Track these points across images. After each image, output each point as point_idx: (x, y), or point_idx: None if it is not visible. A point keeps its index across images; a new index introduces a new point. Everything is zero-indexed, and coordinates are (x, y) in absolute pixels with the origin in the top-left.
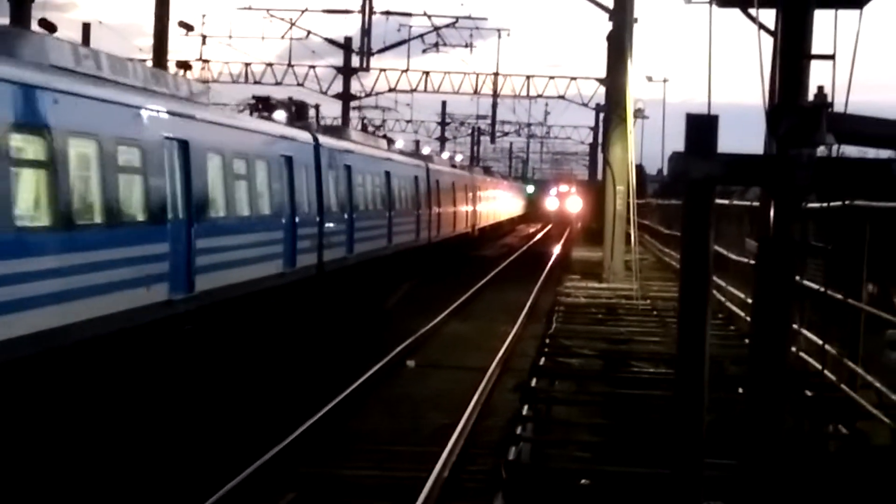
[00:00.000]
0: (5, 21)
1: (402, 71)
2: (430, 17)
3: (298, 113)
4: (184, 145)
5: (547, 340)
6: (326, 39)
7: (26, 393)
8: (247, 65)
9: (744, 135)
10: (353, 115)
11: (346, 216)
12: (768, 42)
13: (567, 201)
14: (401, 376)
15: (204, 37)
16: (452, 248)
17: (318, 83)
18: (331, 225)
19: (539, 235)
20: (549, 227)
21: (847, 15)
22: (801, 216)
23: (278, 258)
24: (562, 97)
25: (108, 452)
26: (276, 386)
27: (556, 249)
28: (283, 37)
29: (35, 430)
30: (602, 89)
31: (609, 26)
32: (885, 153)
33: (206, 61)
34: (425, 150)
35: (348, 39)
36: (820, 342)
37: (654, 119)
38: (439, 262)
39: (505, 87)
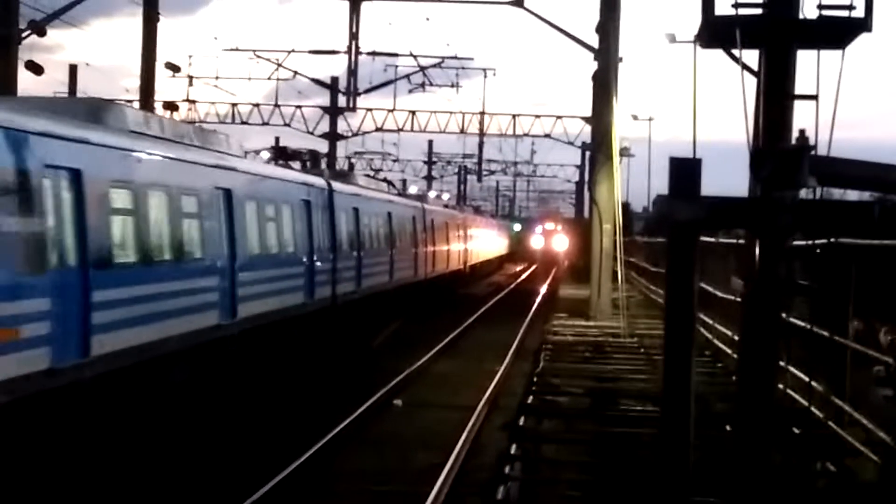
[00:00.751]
0: None
1: (389, 110)
2: (416, 57)
3: (313, 161)
4: (228, 193)
5: (535, 379)
6: (313, 80)
7: (134, 392)
8: (234, 105)
9: (729, 173)
10: (340, 152)
11: (354, 254)
12: (752, 82)
13: (553, 239)
14: (389, 414)
15: (191, 77)
16: (446, 283)
17: (305, 123)
18: (343, 262)
19: (526, 274)
20: (535, 266)
21: (829, 55)
22: (786, 256)
23: (300, 290)
24: (548, 136)
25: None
26: (279, 412)
27: (543, 288)
28: (269, 77)
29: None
30: (588, 128)
31: (594, 65)
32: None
33: (192, 102)
34: (412, 189)
35: (335, 80)
36: (807, 379)
37: (640, 157)
38: (435, 297)
39: (491, 125)
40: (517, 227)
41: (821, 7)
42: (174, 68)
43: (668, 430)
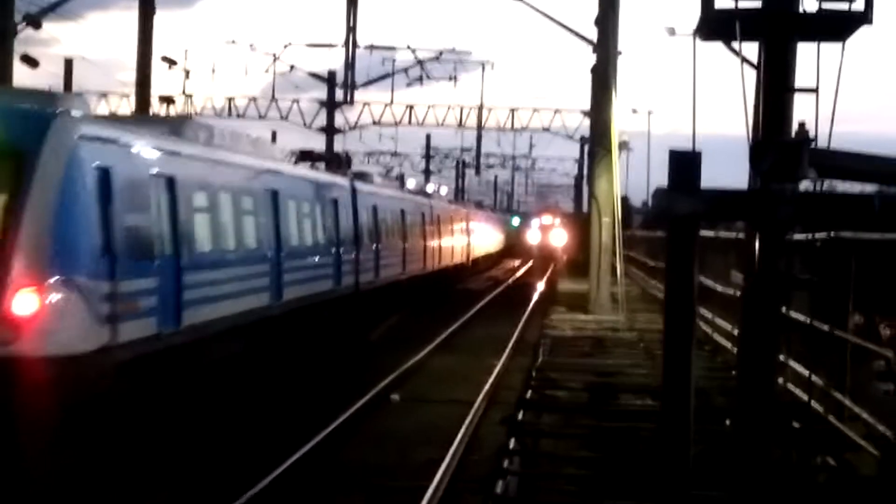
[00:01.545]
0: None
1: (387, 104)
2: (413, 50)
3: (337, 163)
4: (275, 193)
5: (533, 373)
6: (310, 73)
7: (204, 358)
8: (230, 99)
9: (729, 166)
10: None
11: (374, 247)
12: (752, 75)
13: (551, 234)
14: (386, 409)
15: (187, 71)
16: (452, 275)
17: (302, 117)
18: (364, 254)
19: (525, 268)
20: (531, 263)
21: (830, 48)
22: (785, 249)
23: (330, 278)
24: (546, 129)
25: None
26: (293, 395)
27: (541, 283)
28: (266, 71)
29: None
30: (587, 121)
31: (593, 59)
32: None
33: (189, 95)
34: (410, 184)
35: (332, 73)
36: (807, 373)
37: (640, 150)
38: (442, 287)
39: (489, 119)
40: (516, 221)
41: (820, 0)
42: (171, 62)
43: (668, 425)
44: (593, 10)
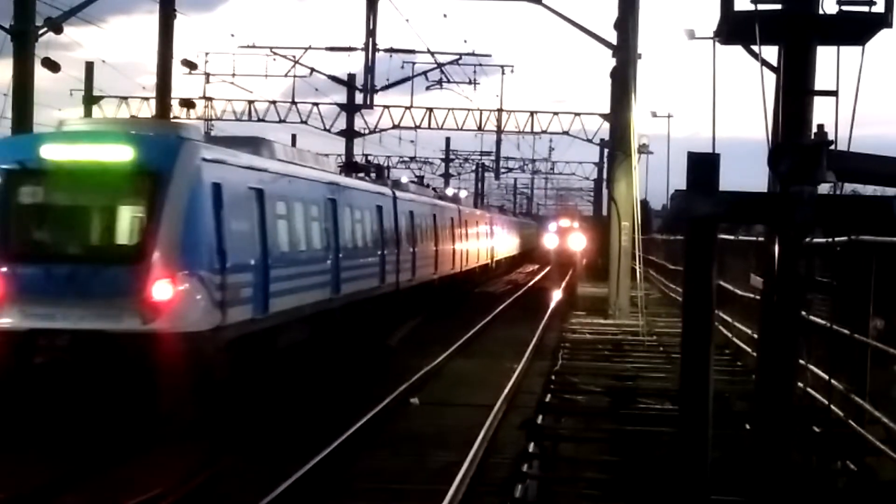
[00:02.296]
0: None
1: (406, 108)
2: (433, 54)
3: (377, 173)
4: (333, 202)
5: (553, 377)
6: (330, 77)
7: (281, 341)
8: (250, 102)
9: (749, 169)
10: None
11: (411, 249)
12: (772, 78)
13: (569, 238)
14: (406, 413)
15: (207, 75)
16: (477, 275)
17: (322, 121)
18: (403, 255)
19: (544, 272)
20: (548, 268)
21: (849, 50)
22: (805, 252)
23: (376, 277)
24: (566, 133)
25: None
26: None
27: (562, 285)
28: (286, 75)
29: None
30: (606, 125)
31: (613, 62)
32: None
33: (209, 99)
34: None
35: (352, 77)
36: (827, 377)
37: (659, 154)
38: (469, 286)
39: (509, 123)
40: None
41: (840, 2)
42: (191, 65)
43: (686, 429)
44: (613, 13)
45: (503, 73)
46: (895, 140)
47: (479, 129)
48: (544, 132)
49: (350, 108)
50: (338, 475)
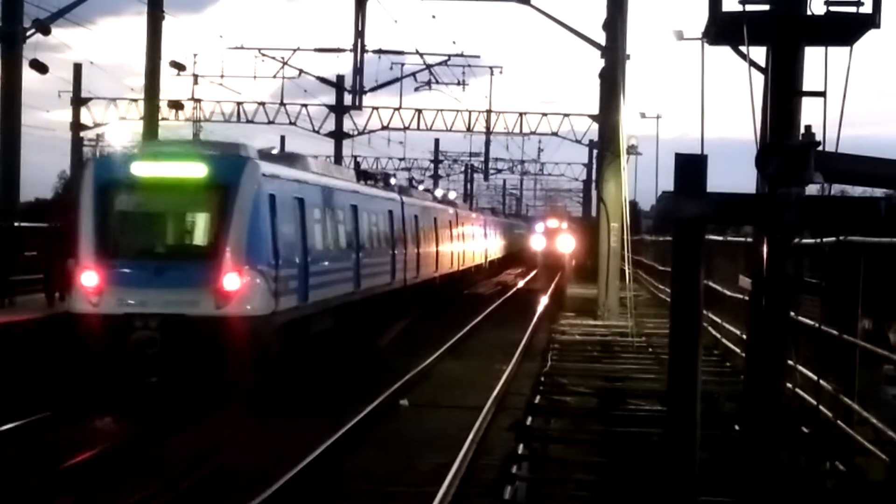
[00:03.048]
0: None
1: (395, 109)
2: (422, 55)
3: (385, 180)
4: (355, 208)
5: (542, 378)
6: (318, 78)
7: (312, 328)
8: (239, 104)
9: (737, 170)
10: (345, 152)
11: (416, 250)
12: (760, 79)
13: (557, 239)
14: (396, 414)
15: (196, 76)
16: (472, 274)
17: (311, 122)
18: (409, 255)
19: (533, 273)
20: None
21: (837, 51)
22: (793, 253)
23: (388, 274)
24: (555, 134)
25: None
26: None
27: (550, 287)
28: (275, 76)
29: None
30: (595, 126)
31: (602, 63)
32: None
33: (197, 100)
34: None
35: (340, 78)
36: (815, 378)
37: (648, 155)
38: (464, 285)
39: (498, 124)
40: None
41: (828, 3)
42: (179, 67)
43: (675, 430)
44: (601, 14)
45: (492, 74)
46: (883, 141)
47: (468, 130)
48: (533, 133)
49: (339, 110)
50: (325, 477)
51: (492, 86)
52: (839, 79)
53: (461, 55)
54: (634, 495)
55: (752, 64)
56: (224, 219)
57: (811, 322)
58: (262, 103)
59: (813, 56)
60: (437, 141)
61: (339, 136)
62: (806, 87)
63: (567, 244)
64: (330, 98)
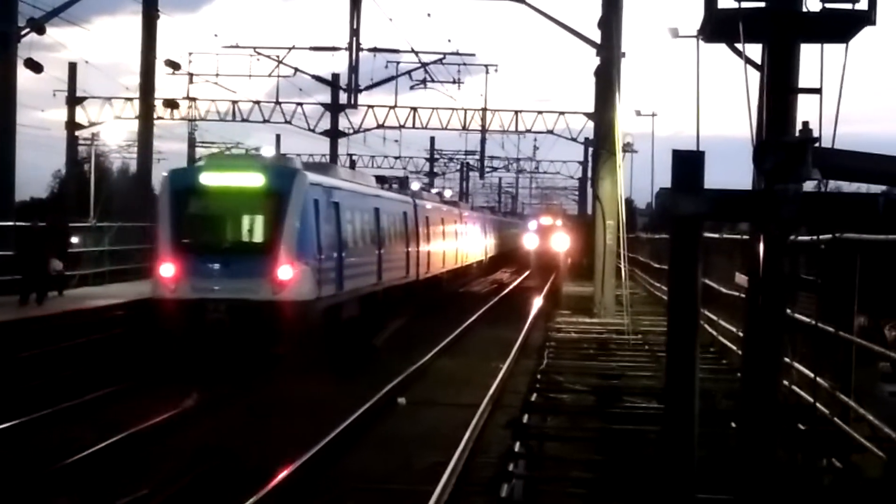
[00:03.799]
0: None
1: (390, 107)
2: (417, 53)
3: (401, 183)
4: (377, 210)
5: (538, 376)
6: (314, 77)
7: (343, 314)
8: (234, 103)
9: (734, 167)
10: (341, 150)
11: (427, 248)
12: (756, 76)
13: (552, 238)
14: (393, 414)
15: (191, 75)
16: (474, 270)
17: (306, 120)
18: (422, 252)
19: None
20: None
21: (833, 48)
22: (790, 250)
23: (404, 269)
24: (550, 132)
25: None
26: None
27: (546, 285)
28: (270, 75)
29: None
30: (591, 124)
31: (597, 61)
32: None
33: (192, 99)
34: (414, 187)
35: (336, 76)
36: (812, 375)
37: (644, 153)
38: (468, 279)
39: (493, 122)
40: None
41: (824, 0)
42: (174, 66)
43: (672, 427)
44: (597, 12)
45: (487, 73)
46: (879, 137)
47: (464, 128)
48: (529, 131)
49: (334, 108)
50: (321, 475)
51: (487, 84)
52: (835, 76)
53: (456, 53)
54: (632, 493)
55: (748, 61)
56: (278, 220)
57: (808, 319)
58: (258, 102)
59: (809, 53)
60: (432, 139)
61: (334, 134)
62: (802, 83)
63: (561, 243)
64: (325, 97)
